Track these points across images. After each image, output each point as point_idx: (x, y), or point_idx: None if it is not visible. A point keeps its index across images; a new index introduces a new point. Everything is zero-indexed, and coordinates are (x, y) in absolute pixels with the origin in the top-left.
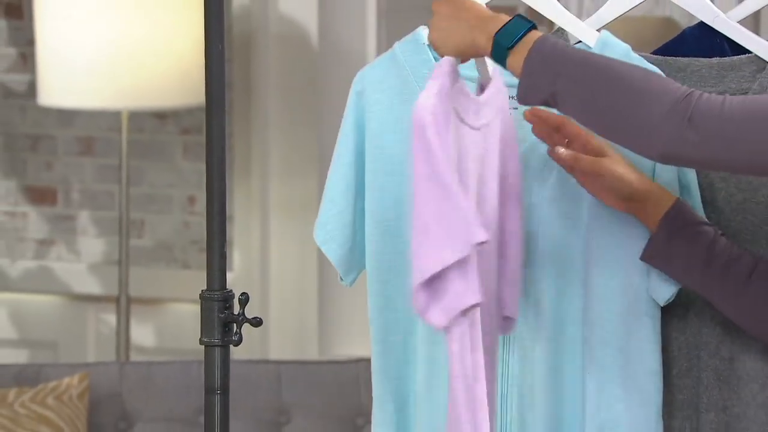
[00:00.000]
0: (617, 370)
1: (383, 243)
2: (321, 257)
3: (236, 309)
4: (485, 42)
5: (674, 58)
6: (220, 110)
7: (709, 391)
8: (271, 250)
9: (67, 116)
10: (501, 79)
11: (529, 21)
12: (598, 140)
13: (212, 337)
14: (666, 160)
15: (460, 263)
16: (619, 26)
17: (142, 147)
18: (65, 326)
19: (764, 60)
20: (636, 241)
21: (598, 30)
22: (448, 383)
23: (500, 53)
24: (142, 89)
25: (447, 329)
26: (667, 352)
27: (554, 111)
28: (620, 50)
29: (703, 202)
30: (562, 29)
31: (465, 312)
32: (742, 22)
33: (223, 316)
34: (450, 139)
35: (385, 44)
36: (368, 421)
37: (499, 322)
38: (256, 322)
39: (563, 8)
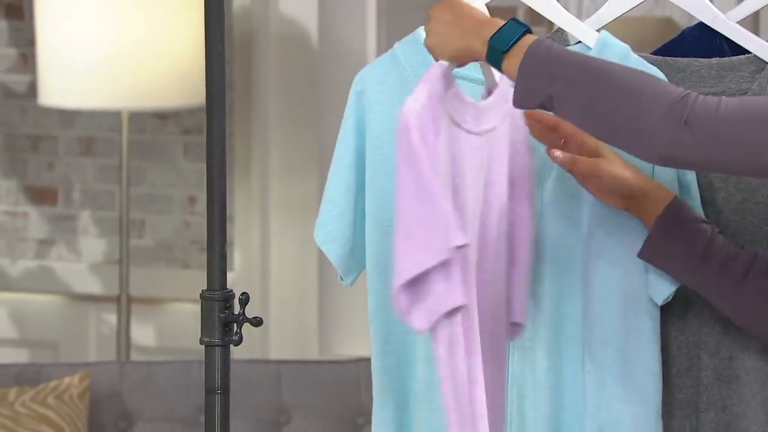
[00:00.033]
0: (617, 369)
1: (383, 243)
2: (321, 257)
3: (236, 309)
4: (480, 46)
5: (674, 58)
6: (220, 110)
7: (708, 391)
8: (272, 250)
9: (67, 116)
10: (509, 84)
11: (524, 25)
12: (594, 139)
13: (212, 337)
14: (662, 162)
15: (443, 266)
16: (618, 27)
17: (143, 147)
18: (66, 326)
19: (763, 60)
20: (635, 240)
21: (598, 30)
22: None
23: (495, 57)
24: (142, 89)
25: (433, 332)
26: (667, 351)
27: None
28: (620, 50)
29: (703, 202)
30: (562, 29)
31: (449, 314)
32: (741, 22)
33: (224, 315)
34: (440, 142)
35: (385, 44)
36: (368, 421)
37: (507, 328)
38: (257, 322)
39: (563, 8)
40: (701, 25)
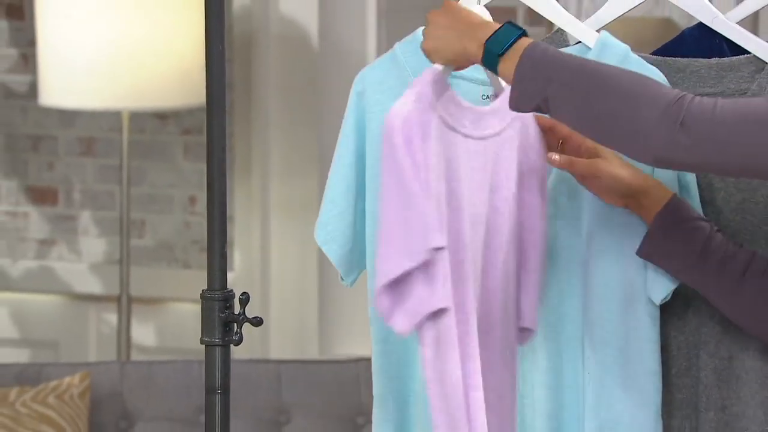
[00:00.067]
0: (617, 369)
1: None
2: (321, 257)
3: (237, 309)
4: (476, 49)
5: (673, 58)
6: (220, 110)
7: (708, 391)
8: (272, 250)
9: (68, 117)
10: None
11: (520, 28)
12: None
13: (213, 337)
14: (659, 163)
15: (424, 268)
16: (618, 27)
17: (143, 147)
18: (66, 326)
19: (763, 60)
20: (635, 240)
21: (598, 31)
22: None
23: (491, 60)
24: (142, 90)
25: (418, 334)
26: (667, 351)
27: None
28: (620, 51)
29: (702, 202)
30: (562, 30)
31: (433, 316)
32: (740, 22)
33: (224, 315)
34: (430, 146)
35: (385, 44)
36: (369, 421)
37: (516, 333)
38: (257, 322)
39: (562, 9)
40: (701, 26)
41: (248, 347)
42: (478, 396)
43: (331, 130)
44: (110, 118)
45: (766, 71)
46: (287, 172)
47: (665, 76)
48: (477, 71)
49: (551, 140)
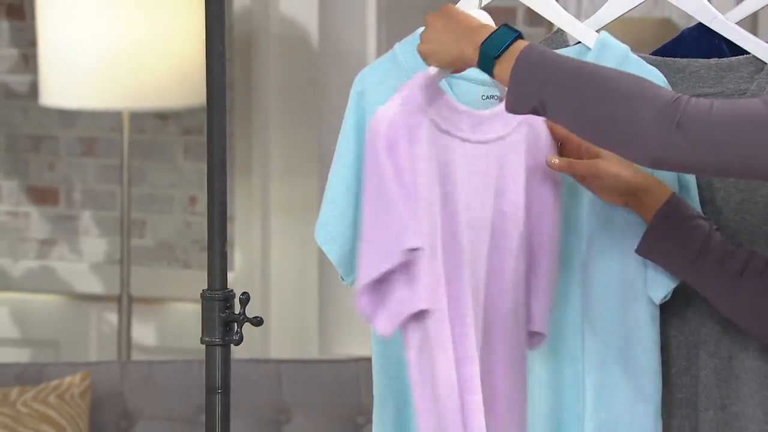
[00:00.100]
0: (617, 369)
1: None
2: (321, 257)
3: (237, 308)
4: (472, 52)
5: (673, 59)
6: (221, 110)
7: (707, 390)
8: (272, 250)
9: (68, 117)
10: None
11: (516, 30)
12: None
13: (213, 337)
14: (656, 165)
15: (406, 269)
16: (617, 27)
17: (144, 147)
18: (67, 325)
19: (762, 61)
20: (635, 240)
21: (597, 31)
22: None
23: (487, 63)
24: (143, 90)
25: (403, 337)
26: (666, 351)
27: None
28: (619, 51)
29: (702, 202)
30: (562, 30)
31: (416, 319)
32: (740, 23)
33: (224, 315)
34: (419, 150)
35: (385, 44)
36: (369, 420)
37: (526, 337)
38: (257, 322)
39: (562, 9)
40: (700, 26)
41: (248, 347)
42: (475, 399)
43: (331, 130)
44: (111, 118)
45: (766, 71)
46: (287, 172)
47: (665, 77)
48: (477, 71)
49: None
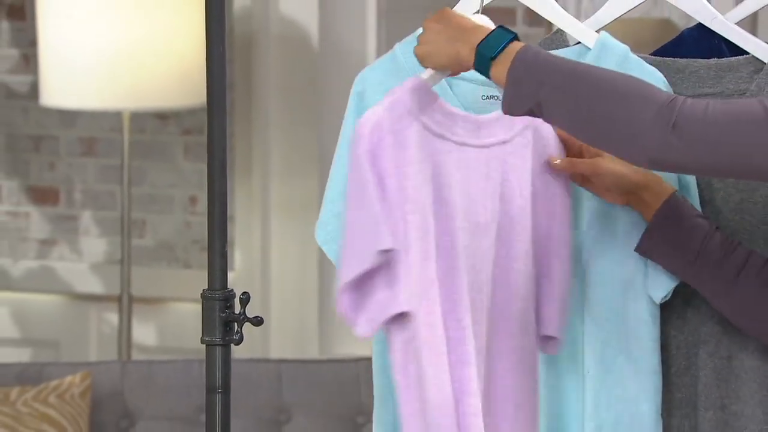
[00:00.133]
0: (617, 369)
1: None
2: (322, 257)
3: (237, 308)
4: (468, 53)
5: (672, 59)
6: (221, 111)
7: (707, 390)
8: (272, 250)
9: (69, 117)
10: None
11: (512, 32)
12: None
13: (213, 336)
14: (652, 165)
15: (385, 271)
16: (617, 27)
17: (144, 147)
18: (67, 325)
19: (761, 61)
20: (635, 240)
21: (597, 31)
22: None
23: (483, 64)
24: (143, 90)
25: (388, 340)
26: (666, 350)
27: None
28: (619, 51)
29: (702, 202)
30: (561, 30)
31: (398, 321)
32: (739, 23)
33: (224, 315)
34: (408, 154)
35: (385, 44)
36: (369, 420)
37: (538, 341)
38: (257, 322)
39: (562, 9)
40: (700, 26)
41: (249, 347)
42: (473, 402)
43: (331, 130)
44: (111, 118)
45: (765, 71)
46: (287, 172)
47: (665, 77)
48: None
49: None
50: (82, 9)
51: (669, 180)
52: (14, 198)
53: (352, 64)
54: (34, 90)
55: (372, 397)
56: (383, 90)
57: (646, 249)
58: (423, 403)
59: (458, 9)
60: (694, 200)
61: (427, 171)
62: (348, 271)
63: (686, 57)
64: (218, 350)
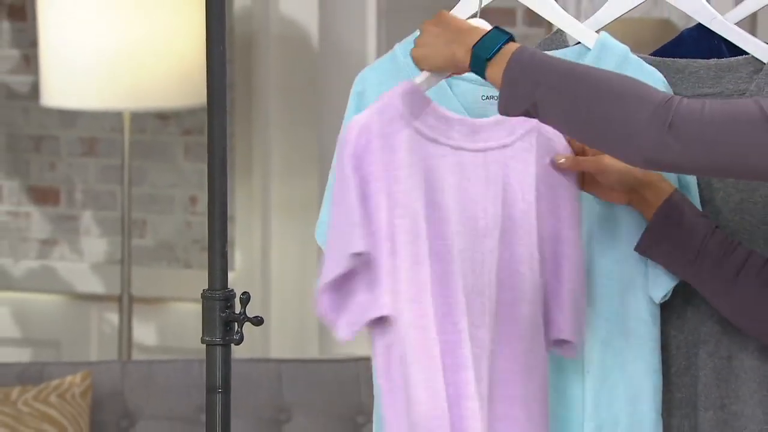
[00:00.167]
0: (617, 369)
1: None
2: (321, 257)
3: (237, 308)
4: (464, 54)
5: (672, 59)
6: (221, 111)
7: (707, 389)
8: (272, 250)
9: (69, 117)
10: None
11: (507, 33)
12: None
13: (214, 336)
14: (648, 165)
15: (366, 274)
16: (617, 28)
17: (144, 147)
18: (68, 325)
19: (761, 61)
20: (635, 240)
21: (597, 32)
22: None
23: (479, 65)
24: (143, 90)
25: (373, 344)
26: (666, 350)
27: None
28: (619, 52)
29: (702, 201)
30: (561, 31)
31: (379, 325)
32: (739, 23)
33: (225, 315)
34: (397, 158)
35: (385, 44)
36: (368, 420)
37: (548, 345)
38: (257, 321)
39: (561, 9)
40: (699, 27)
41: (249, 346)
42: (472, 406)
43: (331, 130)
44: (111, 118)
45: (764, 72)
46: (288, 172)
47: (664, 77)
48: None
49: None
50: (83, 9)
51: (669, 179)
52: (15, 198)
53: (352, 64)
54: (34, 90)
55: (372, 397)
56: (383, 90)
57: (646, 248)
58: (409, 406)
59: (458, 9)
60: (695, 200)
61: (418, 175)
62: (326, 273)
63: (686, 57)
64: (218, 350)
